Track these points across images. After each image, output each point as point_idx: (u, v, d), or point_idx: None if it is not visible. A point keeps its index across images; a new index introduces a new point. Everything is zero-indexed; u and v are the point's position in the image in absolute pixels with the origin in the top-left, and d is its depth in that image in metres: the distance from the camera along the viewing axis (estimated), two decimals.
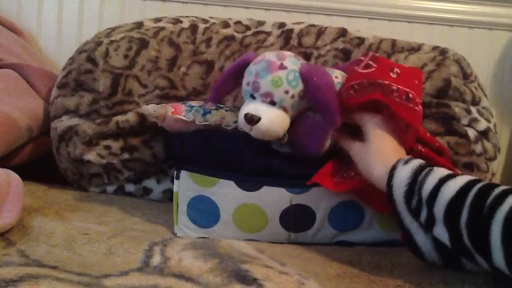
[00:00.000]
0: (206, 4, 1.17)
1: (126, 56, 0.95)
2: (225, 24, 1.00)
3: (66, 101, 0.95)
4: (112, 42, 0.96)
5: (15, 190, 0.69)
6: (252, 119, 0.69)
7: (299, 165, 0.74)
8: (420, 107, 0.68)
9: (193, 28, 0.98)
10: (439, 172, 0.59)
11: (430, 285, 0.59)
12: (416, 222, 0.61)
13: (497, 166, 0.98)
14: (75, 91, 0.96)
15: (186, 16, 1.02)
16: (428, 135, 0.70)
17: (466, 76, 0.97)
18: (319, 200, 0.73)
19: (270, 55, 0.72)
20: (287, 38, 0.99)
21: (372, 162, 0.66)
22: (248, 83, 0.72)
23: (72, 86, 0.96)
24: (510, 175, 1.18)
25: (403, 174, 0.61)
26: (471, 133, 0.93)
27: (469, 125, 0.93)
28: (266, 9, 1.16)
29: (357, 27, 1.03)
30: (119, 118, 0.91)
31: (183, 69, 0.95)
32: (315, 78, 0.69)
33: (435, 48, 0.99)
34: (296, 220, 0.74)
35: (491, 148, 0.94)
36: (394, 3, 1.17)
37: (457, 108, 0.93)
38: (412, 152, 0.69)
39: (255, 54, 0.75)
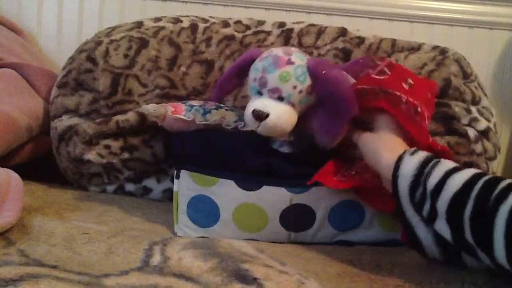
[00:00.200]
0: (206, 3, 1.17)
1: (126, 56, 0.95)
2: (225, 24, 1.00)
3: (66, 100, 0.95)
4: (112, 41, 0.96)
5: (15, 189, 0.68)
6: (261, 115, 0.69)
7: (299, 165, 0.74)
8: (427, 122, 0.68)
9: (193, 27, 0.98)
10: (446, 164, 0.59)
11: (430, 284, 0.59)
12: (418, 216, 0.61)
13: (497, 165, 0.98)
14: (75, 90, 0.96)
15: (186, 16, 1.02)
16: (431, 140, 0.70)
17: (466, 75, 0.97)
18: (319, 199, 0.73)
19: (277, 51, 0.72)
20: (287, 38, 0.99)
21: (380, 150, 0.66)
22: (255, 79, 0.71)
23: (72, 85, 0.96)
24: (510, 174, 1.18)
25: (410, 165, 0.60)
26: (471, 132, 0.93)
27: (469, 125, 0.93)
28: (266, 9, 1.16)
29: (357, 27, 1.04)
30: (119, 117, 0.91)
31: (183, 68, 0.95)
32: (323, 72, 0.69)
33: (435, 47, 0.99)
34: (296, 219, 0.74)
35: (491, 147, 0.94)
36: (394, 3, 1.17)
37: (457, 107, 0.93)
38: None
39: (258, 51, 0.75)
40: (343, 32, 1.00)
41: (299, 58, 0.71)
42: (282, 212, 0.73)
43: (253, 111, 0.69)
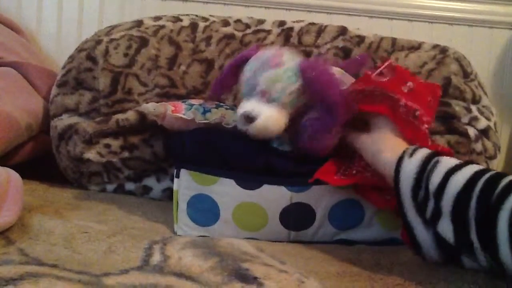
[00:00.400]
0: (206, 2, 1.17)
1: (126, 55, 0.94)
2: (225, 23, 1.00)
3: (66, 99, 0.95)
4: (112, 40, 0.96)
5: (15, 188, 0.68)
6: (249, 118, 0.69)
7: (299, 163, 0.74)
8: (426, 126, 0.68)
9: (193, 26, 0.98)
10: (446, 162, 0.59)
11: (430, 283, 0.59)
12: (420, 217, 0.61)
13: (497, 164, 0.98)
14: (75, 89, 0.96)
15: (186, 15, 1.02)
16: (430, 143, 0.70)
17: (466, 74, 0.97)
18: (319, 198, 0.73)
19: (267, 52, 0.72)
20: (287, 37, 0.99)
21: (380, 151, 0.66)
22: (246, 80, 0.71)
23: (72, 84, 0.95)
24: (510, 173, 1.18)
25: (410, 166, 0.60)
26: (472, 131, 0.93)
27: (469, 124, 0.93)
28: (266, 8, 1.16)
29: (357, 26, 1.03)
30: (119, 116, 0.91)
31: (183, 67, 0.95)
32: (313, 73, 0.68)
33: (435, 46, 0.99)
34: (296, 218, 0.74)
35: (491, 146, 0.94)
36: (394, 2, 1.17)
37: (457, 106, 0.93)
38: None
39: (255, 48, 0.75)
40: (343, 31, 0.99)
41: (290, 59, 0.70)
42: (282, 211, 0.73)
43: (242, 114, 0.69)
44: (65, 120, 0.94)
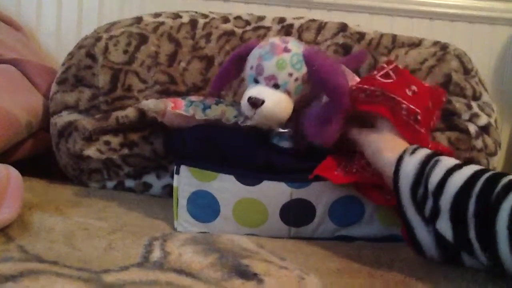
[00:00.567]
0: None
1: (125, 52, 0.94)
2: (225, 19, 1.00)
3: (66, 96, 0.95)
4: (111, 37, 0.95)
5: (14, 185, 0.68)
6: (256, 102, 0.69)
7: (299, 159, 0.74)
8: (424, 130, 0.68)
9: (193, 23, 0.98)
10: (446, 162, 0.59)
11: (430, 280, 0.59)
12: (419, 215, 0.61)
13: (497, 161, 0.98)
14: (75, 86, 0.95)
15: (186, 11, 1.01)
16: (430, 146, 0.70)
17: (467, 71, 0.97)
18: (320, 194, 0.73)
19: (274, 39, 0.72)
20: (287, 33, 0.98)
21: (381, 149, 0.66)
22: (252, 67, 0.71)
23: (72, 81, 0.95)
24: (510, 170, 1.18)
25: (410, 165, 0.61)
26: (472, 128, 0.92)
27: (470, 121, 0.93)
28: (266, 4, 1.15)
29: (358, 22, 1.03)
30: (119, 113, 0.91)
31: (183, 64, 0.95)
32: (318, 60, 0.69)
33: (435, 43, 0.99)
34: (296, 214, 0.74)
35: (491, 143, 0.94)
36: None
37: (458, 103, 0.93)
38: None
39: (258, 40, 0.75)
40: (343, 27, 0.99)
41: (295, 46, 0.71)
42: (282, 207, 0.73)
43: (249, 98, 0.69)
44: (65, 117, 0.94)
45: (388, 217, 0.75)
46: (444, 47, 0.98)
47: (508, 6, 1.16)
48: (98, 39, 0.96)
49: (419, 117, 0.67)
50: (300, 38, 0.98)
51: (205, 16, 1.00)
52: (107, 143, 0.91)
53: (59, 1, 1.18)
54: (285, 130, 0.74)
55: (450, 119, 0.92)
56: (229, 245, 0.67)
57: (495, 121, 0.96)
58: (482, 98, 0.96)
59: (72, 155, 0.92)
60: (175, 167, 0.76)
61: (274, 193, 0.73)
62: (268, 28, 0.99)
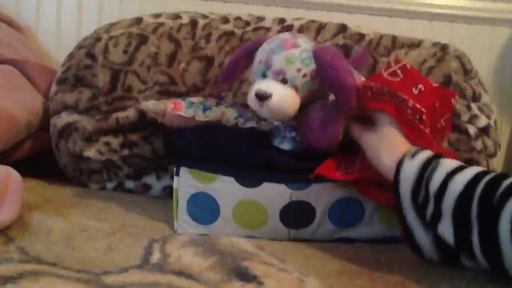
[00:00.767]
0: None
1: (125, 52, 0.94)
2: (225, 20, 1.00)
3: (66, 97, 0.95)
4: (111, 37, 0.95)
5: (14, 186, 0.68)
6: (263, 96, 0.68)
7: (299, 160, 0.74)
8: (429, 130, 0.67)
9: (193, 23, 0.98)
10: (446, 165, 0.59)
11: (430, 281, 0.59)
12: (419, 218, 0.61)
13: (497, 162, 0.98)
14: (75, 87, 0.95)
15: (186, 12, 1.01)
16: (435, 145, 0.70)
17: (466, 72, 0.97)
18: (319, 196, 0.73)
19: (284, 34, 0.72)
20: None
21: (381, 151, 0.66)
22: (260, 61, 0.71)
23: (72, 82, 0.95)
24: (510, 171, 1.18)
25: (410, 169, 0.60)
26: (472, 129, 0.93)
27: (469, 122, 0.93)
28: (266, 5, 1.15)
29: (357, 23, 1.03)
30: (119, 114, 0.91)
31: (182, 65, 0.95)
32: (328, 57, 0.69)
33: (435, 44, 0.99)
34: (296, 216, 0.74)
35: (491, 144, 0.94)
36: None
37: (457, 104, 0.93)
38: None
39: (267, 35, 0.75)
40: (343, 28, 0.99)
41: (305, 42, 0.71)
42: (282, 208, 0.73)
43: (256, 91, 0.69)
44: (65, 117, 0.94)
45: (388, 219, 0.75)
46: (443, 48, 0.98)
47: (508, 7, 1.16)
48: (98, 39, 0.96)
49: (424, 117, 0.67)
50: None
51: (205, 16, 1.00)
52: (107, 143, 0.91)
53: (59, 1, 1.18)
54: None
55: None
56: (228, 247, 0.67)
57: (495, 122, 0.96)
58: (481, 99, 0.96)
59: (72, 155, 0.92)
60: (175, 169, 0.76)
61: (274, 194, 0.73)
62: (268, 29, 0.99)
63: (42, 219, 0.70)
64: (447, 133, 0.75)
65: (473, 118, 0.93)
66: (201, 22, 0.98)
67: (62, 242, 0.64)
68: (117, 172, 0.93)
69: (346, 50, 0.96)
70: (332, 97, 0.75)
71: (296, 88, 0.70)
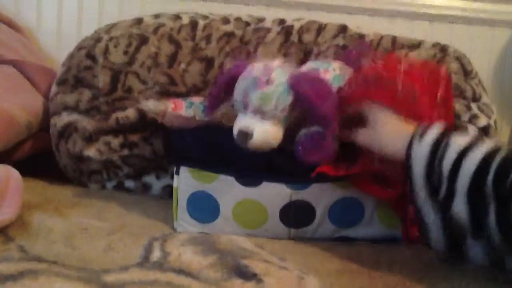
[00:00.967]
0: (206, 0, 1.17)
1: (125, 53, 0.94)
2: (225, 21, 1.00)
3: (66, 97, 0.95)
4: (111, 38, 0.96)
5: (14, 186, 0.68)
6: (245, 136, 0.69)
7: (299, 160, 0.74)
8: (426, 104, 0.67)
9: (193, 24, 0.98)
10: (457, 143, 0.58)
11: (430, 280, 0.59)
12: (430, 200, 0.60)
13: None
14: (75, 87, 0.95)
15: (186, 13, 1.02)
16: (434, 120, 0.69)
17: (466, 73, 0.97)
18: (319, 196, 0.73)
19: (256, 70, 0.70)
20: (287, 35, 0.98)
21: (383, 139, 0.65)
22: (237, 100, 0.70)
23: (72, 82, 0.95)
24: None
25: (421, 151, 0.60)
26: (472, 129, 0.93)
27: (469, 122, 0.93)
28: (266, 6, 1.15)
29: (358, 24, 1.03)
30: (119, 114, 0.91)
31: (183, 65, 0.95)
32: (303, 89, 0.68)
33: (435, 45, 0.99)
34: (296, 216, 0.74)
35: None
36: (395, 0, 1.16)
37: (457, 104, 0.93)
38: None
39: (244, 64, 0.73)
40: (343, 29, 0.99)
41: (279, 75, 0.69)
42: (282, 208, 0.73)
43: (238, 131, 0.69)
44: (65, 118, 0.94)
45: (388, 218, 0.75)
46: (443, 49, 0.98)
47: (508, 8, 1.16)
48: (98, 40, 0.96)
49: (416, 89, 0.66)
50: (300, 39, 0.98)
51: (205, 17, 1.00)
52: (107, 143, 0.91)
53: (59, 1, 1.18)
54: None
55: None
56: (228, 245, 0.67)
57: (495, 122, 0.96)
58: (481, 99, 0.96)
59: (72, 155, 0.92)
60: (175, 168, 0.76)
61: (274, 194, 0.73)
62: (268, 30, 0.99)
63: (42, 219, 0.70)
64: (451, 103, 0.74)
65: (473, 118, 0.93)
66: (202, 23, 0.99)
67: (62, 241, 0.64)
68: (116, 171, 0.93)
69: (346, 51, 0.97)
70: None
71: (277, 122, 0.69)
